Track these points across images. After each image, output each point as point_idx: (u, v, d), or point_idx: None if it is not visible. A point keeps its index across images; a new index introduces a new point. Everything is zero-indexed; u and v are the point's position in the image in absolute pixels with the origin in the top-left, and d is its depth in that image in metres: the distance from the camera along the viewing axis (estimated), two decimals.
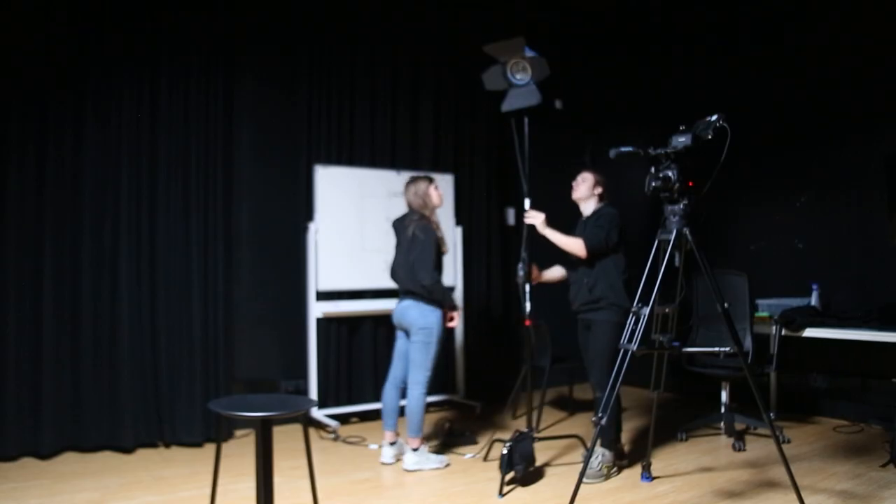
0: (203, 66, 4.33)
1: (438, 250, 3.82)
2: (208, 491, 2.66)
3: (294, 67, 4.86)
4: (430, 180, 3.95)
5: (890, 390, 4.37)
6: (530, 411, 3.78)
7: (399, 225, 3.97)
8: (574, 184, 3.89)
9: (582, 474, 2.99)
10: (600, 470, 3.52)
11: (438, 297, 3.81)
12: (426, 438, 4.01)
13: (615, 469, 3.63)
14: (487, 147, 5.65)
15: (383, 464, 3.87)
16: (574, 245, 3.68)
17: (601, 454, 3.56)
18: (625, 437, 4.32)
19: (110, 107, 4.06)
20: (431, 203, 3.91)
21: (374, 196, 4.94)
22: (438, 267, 3.80)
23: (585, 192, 3.85)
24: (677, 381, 5.29)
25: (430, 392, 3.87)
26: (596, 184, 3.84)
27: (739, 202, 5.30)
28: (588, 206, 3.86)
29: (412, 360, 3.83)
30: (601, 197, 3.85)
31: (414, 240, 3.79)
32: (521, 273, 3.72)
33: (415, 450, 3.77)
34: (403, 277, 3.88)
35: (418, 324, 3.78)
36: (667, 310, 3.18)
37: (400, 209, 4.98)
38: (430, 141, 5.36)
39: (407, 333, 3.92)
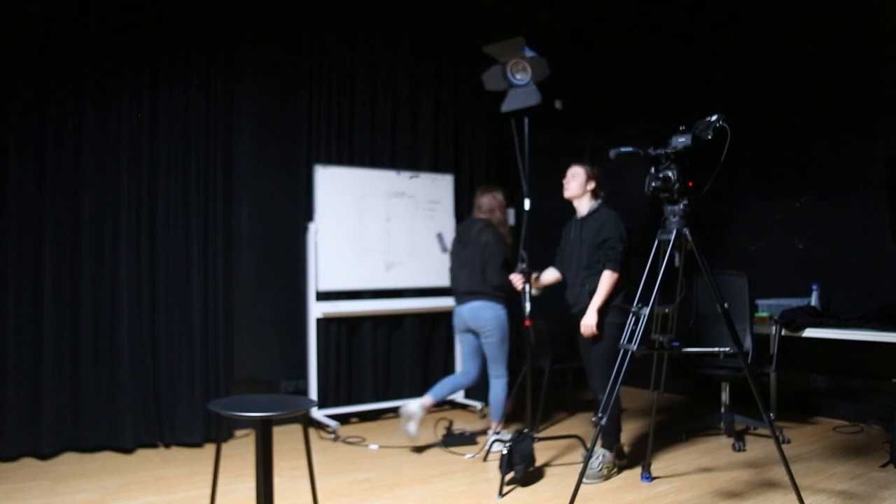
0: (203, 66, 4.33)
1: (506, 254, 4.16)
2: (208, 491, 2.66)
3: (294, 67, 4.86)
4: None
5: (890, 390, 4.37)
6: (530, 411, 3.78)
7: (466, 230, 4.26)
8: (565, 181, 3.77)
9: (582, 474, 2.99)
10: (600, 470, 3.52)
11: (508, 293, 4.08)
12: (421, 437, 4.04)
13: (615, 469, 3.64)
14: (487, 147, 5.65)
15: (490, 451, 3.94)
16: (608, 284, 3.52)
17: (601, 454, 3.56)
18: (625, 438, 4.32)
19: (110, 107, 4.06)
20: (502, 218, 4.26)
21: (374, 196, 4.94)
22: (505, 267, 4.08)
23: (577, 189, 3.72)
24: (677, 381, 5.30)
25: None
26: (588, 178, 3.70)
27: (739, 202, 5.30)
28: (583, 205, 3.74)
29: (492, 357, 4.09)
30: (595, 193, 3.73)
31: (487, 246, 4.08)
32: (519, 273, 3.72)
33: (497, 433, 4.01)
34: (469, 279, 4.11)
35: (493, 323, 4.04)
36: (667, 310, 3.18)
37: (400, 209, 5.02)
38: (430, 141, 5.36)
39: (474, 333, 4.15)
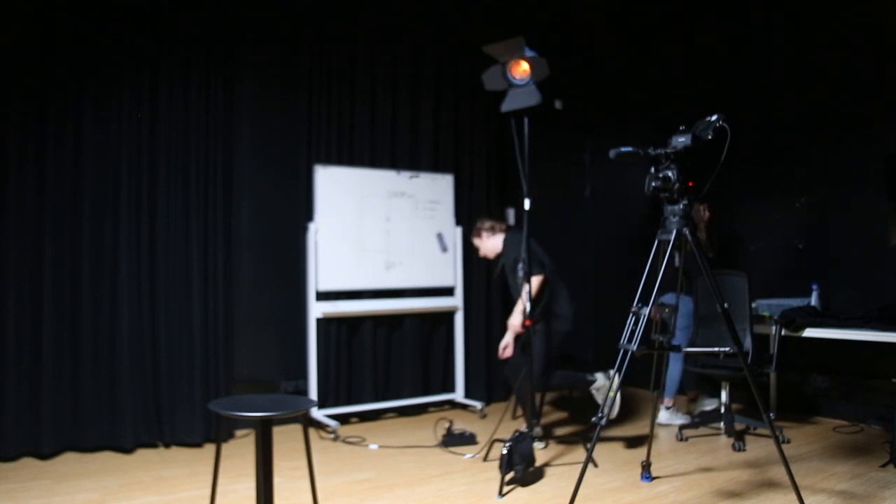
0: (203, 66, 4.33)
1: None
2: (208, 491, 2.66)
3: (294, 67, 4.86)
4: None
5: (890, 390, 4.37)
6: (530, 411, 3.78)
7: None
8: (483, 253, 4.49)
9: (582, 474, 2.99)
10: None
11: None
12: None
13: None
14: (487, 147, 5.65)
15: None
16: (534, 288, 3.96)
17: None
18: (625, 437, 4.32)
19: (110, 107, 4.06)
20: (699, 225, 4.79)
21: (374, 196, 4.95)
22: None
23: (489, 251, 4.42)
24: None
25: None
26: (480, 237, 4.40)
27: (739, 202, 5.30)
28: (497, 244, 4.39)
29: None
30: (500, 230, 4.39)
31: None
32: (520, 273, 3.73)
33: (668, 408, 4.64)
34: None
35: (683, 310, 4.33)
36: (666, 310, 3.18)
37: (400, 209, 5.02)
38: (430, 141, 5.36)
39: None
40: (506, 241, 4.30)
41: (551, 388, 3.81)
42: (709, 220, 4.80)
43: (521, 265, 3.75)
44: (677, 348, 3.33)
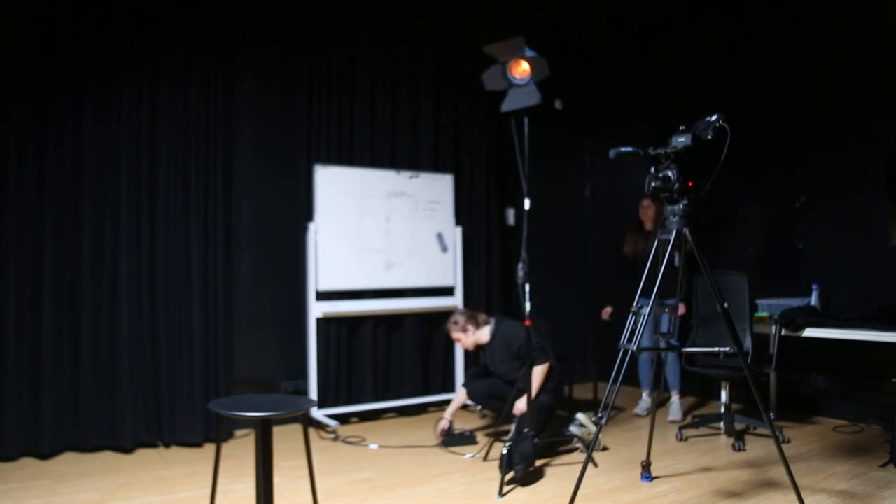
0: (203, 66, 4.33)
1: None
2: (208, 491, 2.66)
3: (294, 67, 4.86)
4: None
5: (890, 390, 4.37)
6: (531, 411, 3.77)
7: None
8: (465, 345, 4.27)
9: (582, 474, 2.99)
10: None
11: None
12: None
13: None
14: (487, 147, 5.65)
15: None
16: (540, 377, 3.97)
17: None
18: (625, 437, 4.32)
19: (110, 107, 4.06)
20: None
21: (374, 196, 4.94)
22: None
23: (473, 342, 4.20)
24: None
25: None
26: (468, 326, 4.16)
27: (739, 202, 5.30)
28: (482, 336, 4.19)
29: None
30: (483, 322, 4.19)
31: None
32: (520, 273, 3.72)
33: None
34: None
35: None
36: (666, 310, 3.18)
37: (400, 209, 5.02)
38: (430, 141, 5.36)
39: None
40: (503, 333, 4.14)
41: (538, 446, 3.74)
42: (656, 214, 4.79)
43: (521, 265, 3.73)
44: (677, 348, 3.34)
